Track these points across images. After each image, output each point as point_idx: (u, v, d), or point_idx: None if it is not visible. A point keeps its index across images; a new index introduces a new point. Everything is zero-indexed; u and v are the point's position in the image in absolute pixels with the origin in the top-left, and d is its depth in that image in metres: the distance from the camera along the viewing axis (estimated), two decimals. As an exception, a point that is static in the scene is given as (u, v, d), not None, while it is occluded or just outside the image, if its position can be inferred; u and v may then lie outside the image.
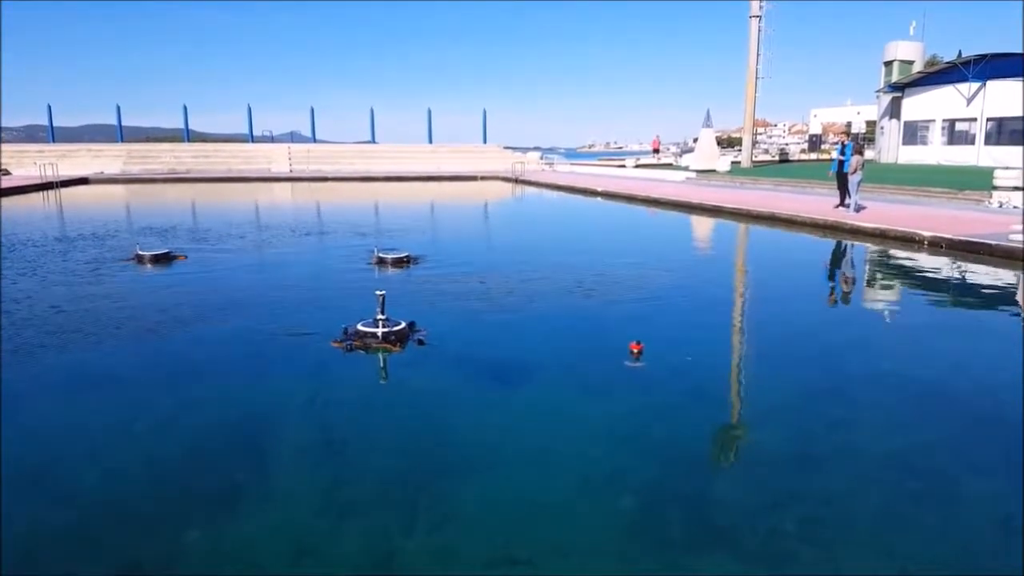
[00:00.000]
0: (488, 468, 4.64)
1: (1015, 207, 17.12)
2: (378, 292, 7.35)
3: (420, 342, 7.17)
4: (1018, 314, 9.37)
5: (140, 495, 4.29)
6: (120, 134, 49.20)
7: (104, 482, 4.48)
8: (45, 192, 29.68)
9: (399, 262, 11.87)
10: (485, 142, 53.77)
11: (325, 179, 40.17)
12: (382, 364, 6.73)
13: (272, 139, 55.32)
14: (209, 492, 4.30)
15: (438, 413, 5.63)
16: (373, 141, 54.00)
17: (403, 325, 7.30)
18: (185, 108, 50.18)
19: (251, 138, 51.63)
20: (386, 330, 7.12)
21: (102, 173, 40.07)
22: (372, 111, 54.76)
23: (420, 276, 11.06)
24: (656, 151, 55.42)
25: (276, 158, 46.93)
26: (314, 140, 53.50)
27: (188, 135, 51.34)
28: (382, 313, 7.27)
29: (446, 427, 5.34)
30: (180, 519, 3.97)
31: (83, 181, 35.90)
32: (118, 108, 48.74)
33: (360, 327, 7.21)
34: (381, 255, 12.03)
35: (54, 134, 48.82)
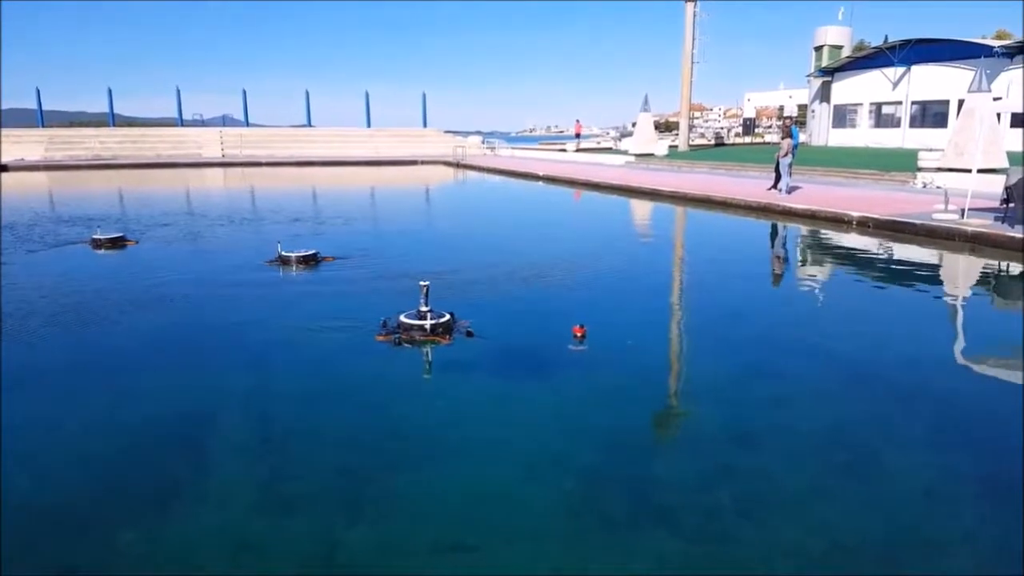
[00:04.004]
0: (434, 456, 4.61)
1: (938, 188, 17.85)
2: (422, 283, 7.07)
3: (469, 333, 6.94)
4: (939, 291, 9.80)
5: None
6: (41, 119, 47.00)
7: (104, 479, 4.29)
8: (-41, 180, 28.17)
9: (304, 261, 10.70)
10: (425, 126, 53.33)
11: (259, 164, 39.17)
12: (428, 358, 6.49)
13: (203, 123, 53.63)
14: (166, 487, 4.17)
15: (380, 403, 5.58)
16: (309, 125, 52.91)
17: (447, 317, 7.05)
18: (110, 91, 48.37)
19: (180, 122, 50.02)
20: (434, 322, 6.88)
21: (23, 160, 38.24)
22: (307, 93, 53.72)
23: (326, 277, 10.13)
24: (578, 135, 55.30)
25: (207, 143, 45.54)
26: (247, 124, 52.06)
27: (114, 119, 49.44)
28: (426, 304, 7.01)
29: (388, 416, 5.30)
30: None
31: (2, 168, 34.19)
32: (38, 92, 46.53)
33: (403, 319, 6.96)
34: (284, 253, 10.76)
35: (-33, 119, 46.32)
